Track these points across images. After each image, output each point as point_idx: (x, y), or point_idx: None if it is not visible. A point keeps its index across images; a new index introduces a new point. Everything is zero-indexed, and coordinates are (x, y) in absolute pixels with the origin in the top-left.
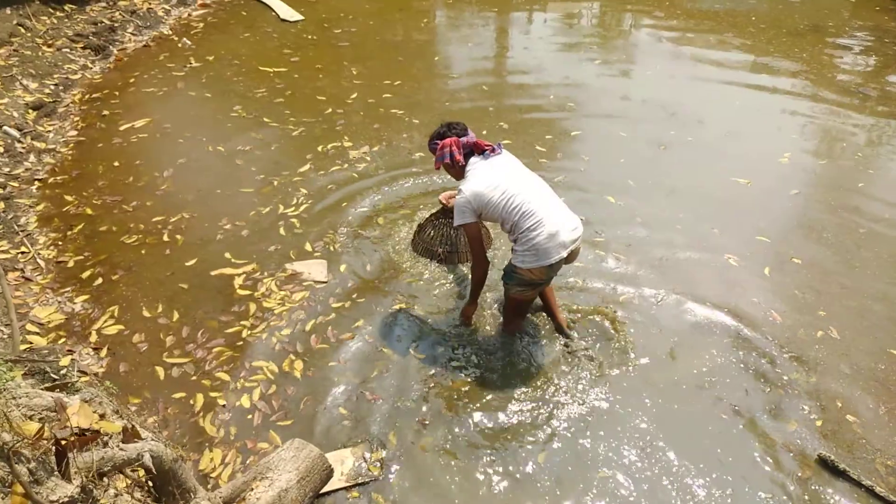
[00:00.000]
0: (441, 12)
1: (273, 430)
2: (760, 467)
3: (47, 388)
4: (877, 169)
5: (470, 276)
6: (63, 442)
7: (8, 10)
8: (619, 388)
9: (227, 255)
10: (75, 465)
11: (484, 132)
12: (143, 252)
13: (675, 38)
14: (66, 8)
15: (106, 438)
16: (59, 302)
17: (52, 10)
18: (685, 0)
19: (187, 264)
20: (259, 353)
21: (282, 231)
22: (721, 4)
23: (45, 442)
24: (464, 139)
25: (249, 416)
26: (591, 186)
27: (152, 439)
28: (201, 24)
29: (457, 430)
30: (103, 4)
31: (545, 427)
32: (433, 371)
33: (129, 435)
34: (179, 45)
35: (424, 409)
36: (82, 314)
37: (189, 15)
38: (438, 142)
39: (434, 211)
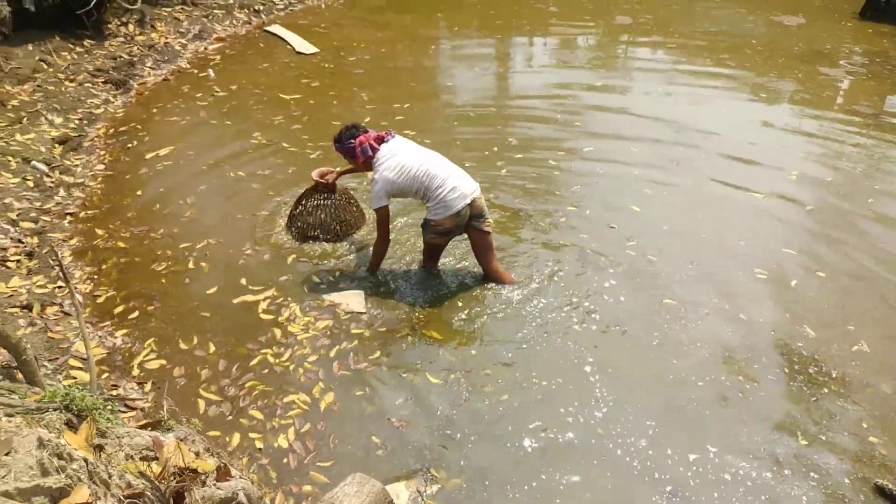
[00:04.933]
0: (448, 41)
1: (314, 470)
2: (810, 494)
3: (141, 427)
4: (882, 186)
5: (372, 252)
6: (183, 482)
7: (30, 47)
8: (659, 410)
9: (248, 280)
10: None
11: (494, 148)
12: (172, 281)
13: (674, 60)
14: (85, 44)
15: (203, 477)
16: (100, 336)
17: (72, 46)
18: (682, 25)
19: (209, 292)
20: (289, 384)
21: (293, 258)
22: (717, 27)
23: (166, 483)
24: (371, 134)
25: (285, 461)
26: (613, 196)
27: (240, 477)
28: (219, 57)
29: (491, 451)
30: (121, 40)
31: (577, 436)
32: (454, 393)
33: (222, 473)
34: (201, 76)
35: (450, 432)
36: (123, 348)
37: (206, 49)
38: (353, 141)
39: (308, 189)
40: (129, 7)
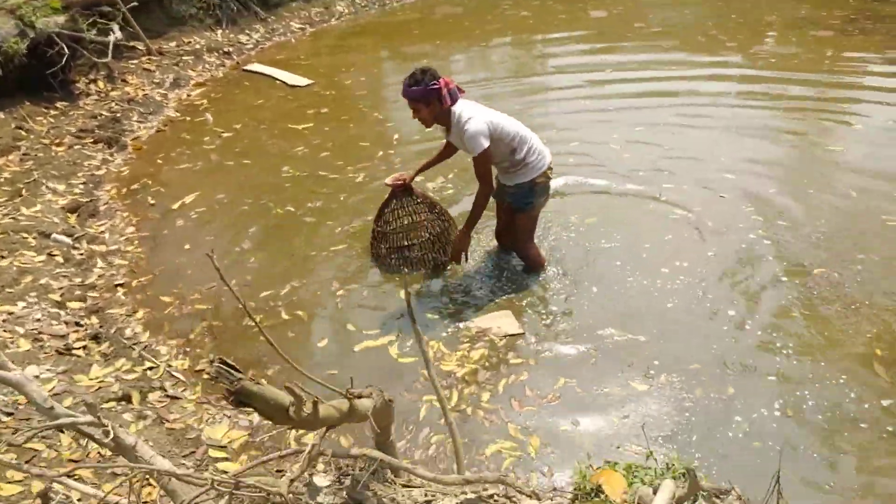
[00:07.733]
0: (435, 55)
1: None
2: None
3: None
4: None
5: (472, 204)
6: None
7: (1, 115)
8: None
9: (356, 324)
10: None
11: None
12: (274, 339)
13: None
14: (58, 105)
15: None
16: (228, 416)
17: (44, 110)
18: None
19: (321, 344)
20: (480, 432)
21: (397, 289)
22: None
23: None
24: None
25: None
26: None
27: None
28: (206, 101)
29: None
30: (95, 97)
31: None
32: (667, 393)
33: None
34: (198, 120)
35: (694, 438)
36: (266, 426)
37: (189, 95)
38: (438, 82)
39: (385, 199)
40: (97, 60)
